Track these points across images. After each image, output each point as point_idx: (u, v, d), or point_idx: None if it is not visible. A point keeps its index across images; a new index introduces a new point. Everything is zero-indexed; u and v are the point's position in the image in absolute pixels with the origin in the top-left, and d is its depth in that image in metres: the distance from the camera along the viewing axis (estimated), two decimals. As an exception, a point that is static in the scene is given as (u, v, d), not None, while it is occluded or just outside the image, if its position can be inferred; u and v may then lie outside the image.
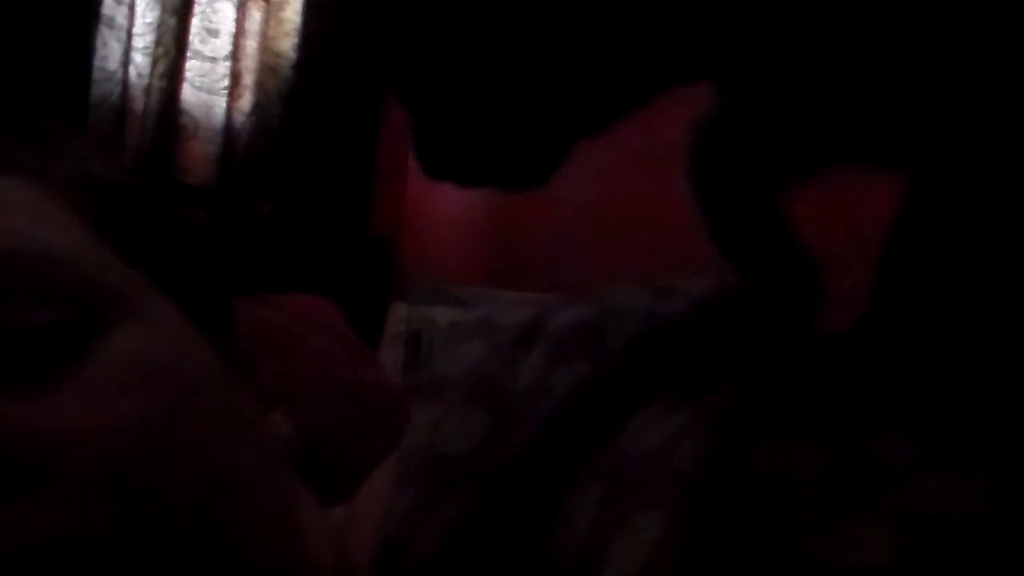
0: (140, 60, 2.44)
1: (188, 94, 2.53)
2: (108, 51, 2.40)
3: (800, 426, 0.39)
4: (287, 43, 2.65)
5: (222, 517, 0.42)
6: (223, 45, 2.56)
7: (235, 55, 2.57)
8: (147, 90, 2.43)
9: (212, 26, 2.57)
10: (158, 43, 2.45)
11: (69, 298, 0.42)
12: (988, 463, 0.37)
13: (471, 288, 2.57)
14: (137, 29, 2.44)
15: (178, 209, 0.54)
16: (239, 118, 2.59)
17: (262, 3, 2.63)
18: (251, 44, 2.61)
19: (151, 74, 2.43)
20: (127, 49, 2.41)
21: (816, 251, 0.46)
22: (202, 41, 2.55)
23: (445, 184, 0.44)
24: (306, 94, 2.67)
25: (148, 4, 2.46)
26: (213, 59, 2.56)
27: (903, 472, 0.37)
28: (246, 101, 2.60)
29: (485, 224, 2.67)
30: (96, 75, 2.39)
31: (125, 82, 2.41)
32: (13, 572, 0.37)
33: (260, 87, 2.61)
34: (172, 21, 2.48)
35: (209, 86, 2.55)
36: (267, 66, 2.63)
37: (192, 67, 2.53)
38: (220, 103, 2.56)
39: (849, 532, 0.36)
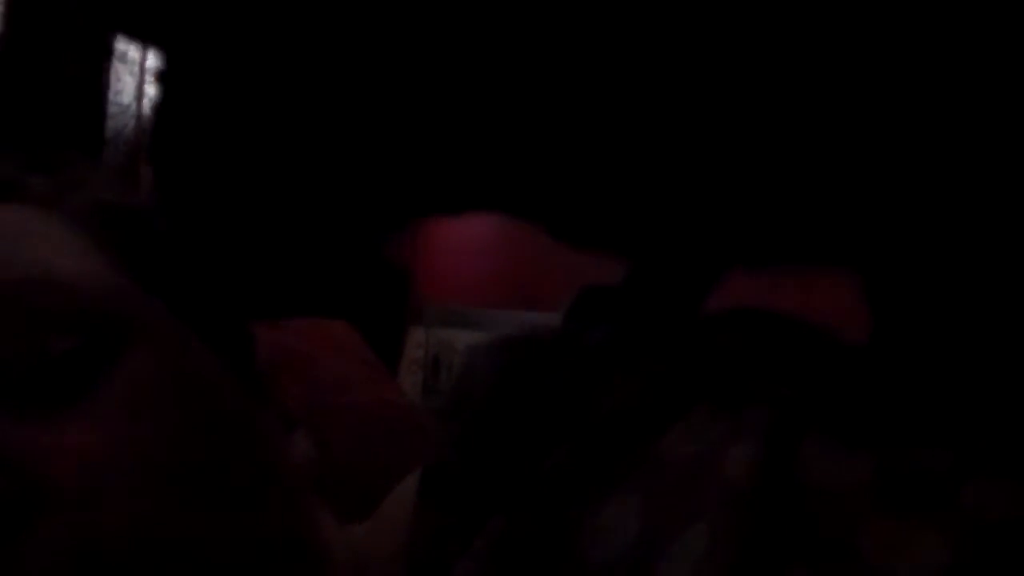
0: (153, 93, 2.45)
1: (202, 126, 2.54)
2: (122, 85, 2.42)
3: (844, 434, 0.39)
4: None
5: (241, 535, 0.42)
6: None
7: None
8: (161, 123, 2.45)
9: (224, 57, 2.58)
10: (171, 76, 2.47)
11: (87, 325, 0.43)
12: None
13: (489, 311, 2.56)
14: (149, 63, 2.46)
15: (193, 236, 0.55)
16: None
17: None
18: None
19: (165, 107, 2.45)
20: (140, 83, 2.43)
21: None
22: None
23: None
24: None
25: (160, 38, 2.48)
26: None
27: (948, 478, 0.37)
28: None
29: (501, 247, 2.67)
30: (111, 109, 2.41)
31: (139, 115, 2.42)
32: None
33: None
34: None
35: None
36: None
37: (205, 99, 2.55)
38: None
39: (903, 537, 0.36)
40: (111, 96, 2.43)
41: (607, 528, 0.40)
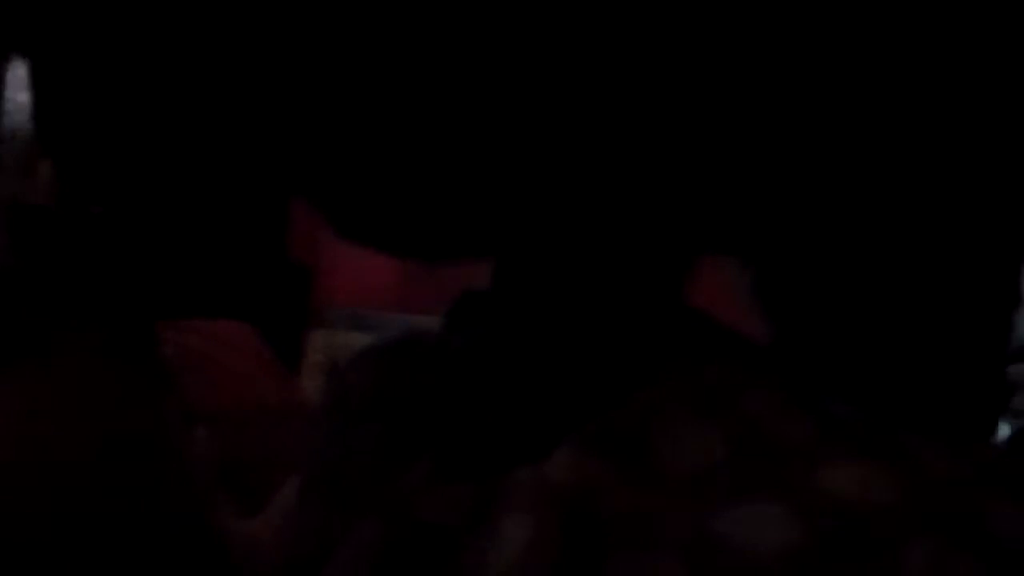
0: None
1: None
2: (16, 81, 2.37)
3: (703, 420, 0.40)
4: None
5: (141, 522, 0.43)
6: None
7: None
8: (59, 120, 2.39)
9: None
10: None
11: None
12: (889, 450, 0.38)
13: (392, 315, 2.55)
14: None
15: (96, 234, 0.55)
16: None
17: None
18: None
19: (63, 104, 2.39)
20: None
21: None
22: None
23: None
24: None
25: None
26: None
27: (804, 454, 0.38)
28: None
29: (403, 250, 2.65)
30: (7, 107, 2.35)
31: (36, 112, 2.37)
32: None
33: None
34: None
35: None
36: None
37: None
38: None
39: (755, 513, 0.37)
40: (7, 93, 2.37)
41: (482, 554, 0.41)
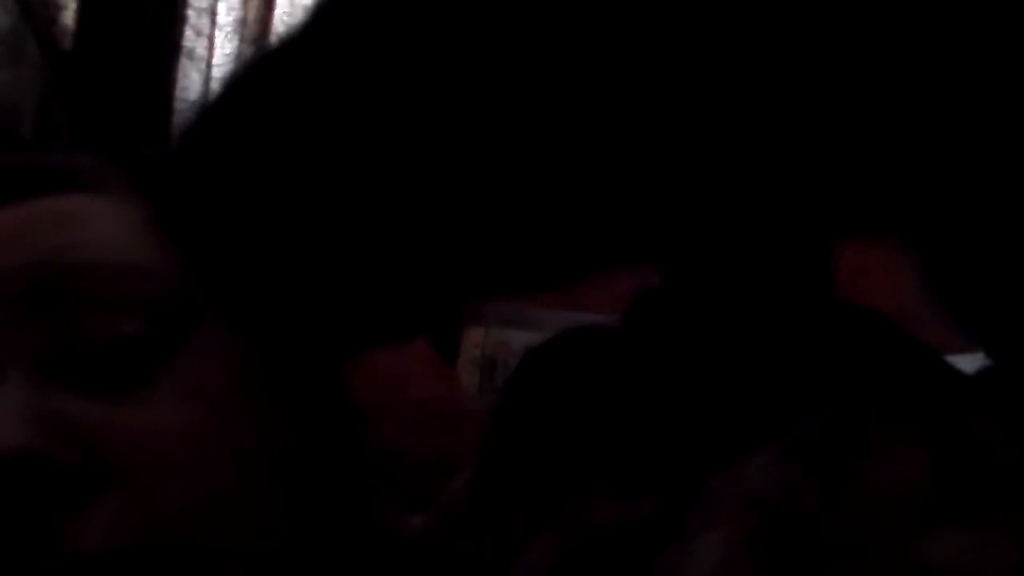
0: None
1: (266, 122, 2.55)
2: (189, 82, 2.45)
3: (910, 438, 0.38)
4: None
5: (304, 520, 0.43)
6: (300, 74, 2.59)
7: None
8: (227, 119, 2.47)
9: (290, 56, 2.60)
10: (237, 73, 2.49)
11: (156, 310, 0.44)
12: None
13: (546, 311, 2.55)
14: (216, 60, 2.48)
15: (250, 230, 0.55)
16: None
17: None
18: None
19: (231, 103, 2.47)
20: (207, 79, 2.46)
21: None
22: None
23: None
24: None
25: (227, 36, 2.50)
26: (291, 88, 2.59)
27: (1015, 471, 0.36)
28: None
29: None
30: (178, 105, 2.44)
31: (206, 112, 2.44)
32: (84, 571, 0.38)
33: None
34: (250, 51, 2.52)
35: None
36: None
37: (270, 96, 2.56)
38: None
39: (972, 541, 0.35)
40: (178, 92, 2.45)
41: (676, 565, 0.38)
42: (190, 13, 2.44)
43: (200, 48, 2.46)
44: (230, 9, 2.49)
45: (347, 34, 0.41)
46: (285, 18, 2.60)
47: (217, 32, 2.49)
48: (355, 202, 0.41)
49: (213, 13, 2.47)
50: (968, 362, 0.43)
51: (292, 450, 0.45)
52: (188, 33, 2.45)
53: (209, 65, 2.47)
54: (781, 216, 0.42)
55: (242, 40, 2.52)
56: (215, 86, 2.61)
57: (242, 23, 2.50)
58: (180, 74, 2.44)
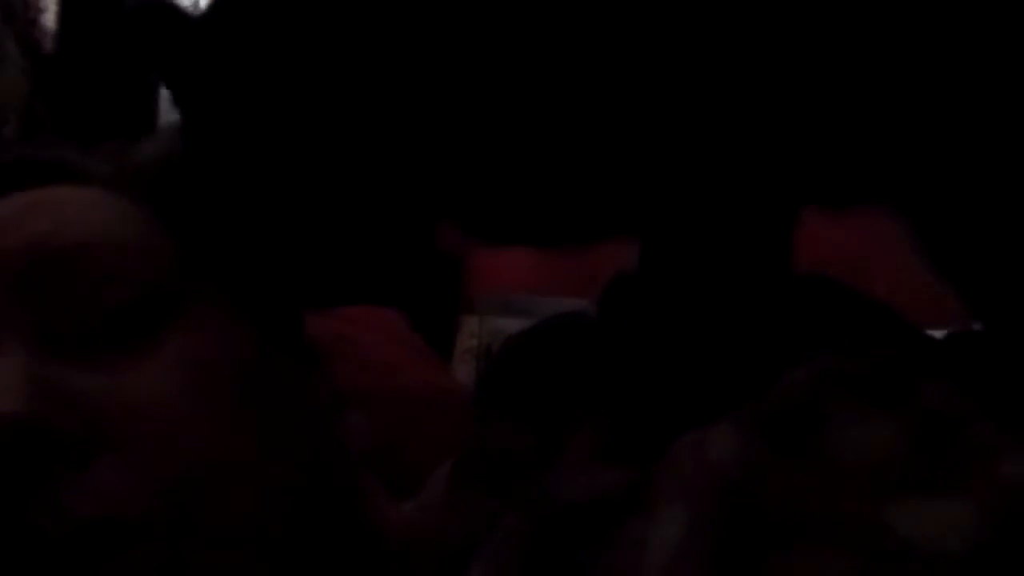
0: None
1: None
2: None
3: (876, 408, 0.38)
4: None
5: (292, 496, 0.43)
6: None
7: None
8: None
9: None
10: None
11: (145, 283, 0.45)
12: None
13: (543, 299, 2.56)
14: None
15: (246, 219, 0.55)
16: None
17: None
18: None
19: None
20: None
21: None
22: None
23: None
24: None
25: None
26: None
27: (989, 449, 0.35)
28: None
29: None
30: (160, 106, 2.44)
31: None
32: (84, 538, 0.38)
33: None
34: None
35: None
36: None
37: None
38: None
39: (935, 511, 0.34)
40: (160, 93, 2.45)
41: (636, 536, 0.38)
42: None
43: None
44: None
45: None
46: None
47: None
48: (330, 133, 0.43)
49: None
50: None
51: (285, 425, 0.46)
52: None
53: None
54: (779, 182, 0.42)
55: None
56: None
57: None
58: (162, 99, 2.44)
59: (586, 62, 0.40)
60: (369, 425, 0.53)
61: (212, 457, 0.43)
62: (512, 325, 2.66)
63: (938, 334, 0.44)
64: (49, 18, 2.27)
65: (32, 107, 2.23)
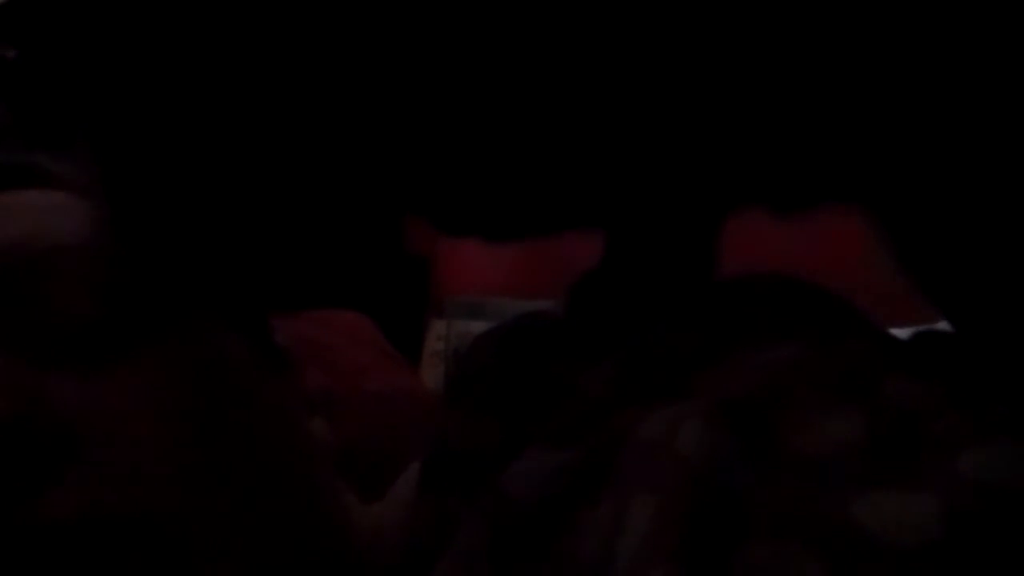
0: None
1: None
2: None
3: (840, 402, 0.38)
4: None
5: (265, 501, 0.43)
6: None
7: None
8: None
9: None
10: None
11: (114, 296, 0.45)
12: None
13: (511, 301, 2.55)
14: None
15: (212, 225, 0.55)
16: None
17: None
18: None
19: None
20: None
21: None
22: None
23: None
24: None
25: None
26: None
27: (951, 442, 0.36)
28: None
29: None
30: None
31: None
32: (60, 541, 0.38)
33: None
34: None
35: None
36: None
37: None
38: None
39: (895, 503, 0.35)
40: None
41: (591, 521, 0.40)
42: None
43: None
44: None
45: None
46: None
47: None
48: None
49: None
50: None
51: (253, 429, 0.46)
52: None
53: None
54: (750, 181, 0.42)
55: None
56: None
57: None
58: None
59: (546, 63, 0.40)
60: (336, 429, 0.53)
61: (184, 465, 0.43)
62: (480, 328, 2.66)
63: (901, 333, 0.44)
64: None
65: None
